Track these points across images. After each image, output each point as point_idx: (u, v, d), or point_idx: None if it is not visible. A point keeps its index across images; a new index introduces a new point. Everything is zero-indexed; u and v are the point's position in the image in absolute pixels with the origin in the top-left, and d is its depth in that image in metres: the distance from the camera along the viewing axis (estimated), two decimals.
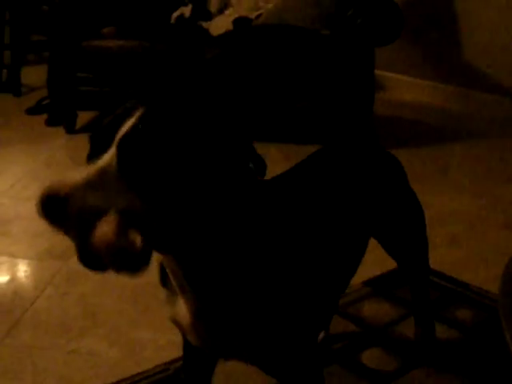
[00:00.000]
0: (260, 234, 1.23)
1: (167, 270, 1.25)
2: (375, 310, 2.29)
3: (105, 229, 1.02)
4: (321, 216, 1.42)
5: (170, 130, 1.07)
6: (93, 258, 1.05)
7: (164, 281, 1.33)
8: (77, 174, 1.04)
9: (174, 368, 1.99)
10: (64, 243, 2.88)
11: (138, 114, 1.08)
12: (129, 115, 1.09)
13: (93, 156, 1.08)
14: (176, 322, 1.33)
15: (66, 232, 1.05)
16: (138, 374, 1.99)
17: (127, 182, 1.05)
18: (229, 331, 1.25)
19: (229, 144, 1.13)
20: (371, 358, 2.05)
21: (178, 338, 2.13)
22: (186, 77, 3.59)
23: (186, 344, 1.52)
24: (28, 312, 2.30)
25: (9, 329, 2.21)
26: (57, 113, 4.27)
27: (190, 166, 1.08)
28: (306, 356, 1.35)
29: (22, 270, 2.64)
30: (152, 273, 2.52)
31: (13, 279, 2.58)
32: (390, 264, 2.48)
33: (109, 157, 1.06)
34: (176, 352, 2.05)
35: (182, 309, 1.28)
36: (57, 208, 1.01)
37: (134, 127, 1.06)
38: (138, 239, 1.03)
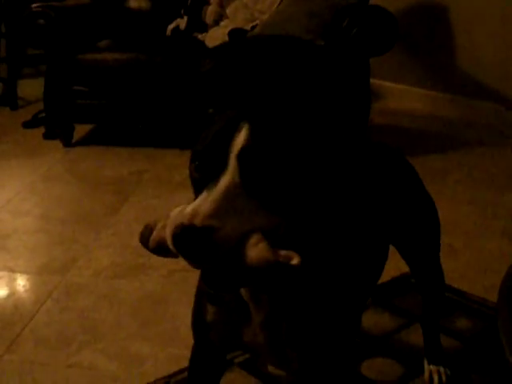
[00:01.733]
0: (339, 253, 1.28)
1: None
2: (374, 319, 2.29)
3: (260, 248, 0.99)
4: (363, 222, 1.44)
5: (280, 141, 1.05)
6: (225, 280, 1.02)
7: (215, 299, 1.30)
8: (203, 201, 0.99)
9: (174, 382, 1.99)
10: (62, 257, 2.88)
11: (246, 127, 1.05)
12: (235, 129, 1.05)
13: (208, 175, 1.04)
14: (225, 336, 1.32)
15: (202, 263, 0.99)
16: None
17: (256, 198, 1.02)
18: (289, 341, 1.25)
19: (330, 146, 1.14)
20: (371, 368, 2.05)
21: (177, 351, 2.14)
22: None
23: (195, 358, 1.52)
24: (28, 327, 2.30)
25: (9, 344, 2.20)
26: (53, 126, 4.28)
27: (303, 173, 1.07)
28: (345, 368, 1.39)
29: (21, 284, 2.64)
30: (150, 287, 2.53)
31: (12, 294, 2.57)
32: (389, 273, 2.50)
33: (230, 175, 1.02)
34: (176, 366, 2.05)
35: (246, 321, 1.27)
36: (198, 240, 0.96)
37: (249, 140, 1.03)
38: (286, 252, 1.00)
